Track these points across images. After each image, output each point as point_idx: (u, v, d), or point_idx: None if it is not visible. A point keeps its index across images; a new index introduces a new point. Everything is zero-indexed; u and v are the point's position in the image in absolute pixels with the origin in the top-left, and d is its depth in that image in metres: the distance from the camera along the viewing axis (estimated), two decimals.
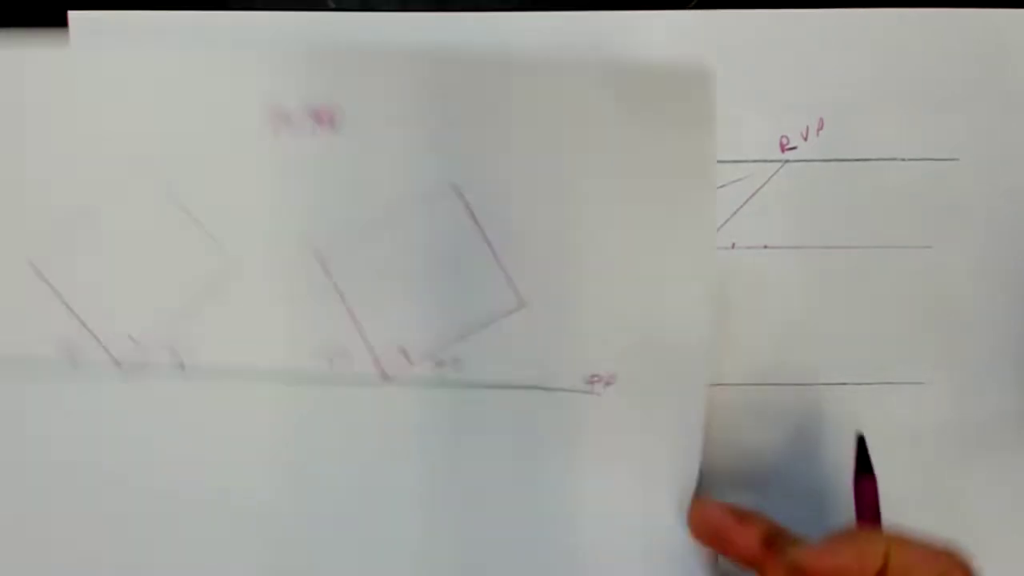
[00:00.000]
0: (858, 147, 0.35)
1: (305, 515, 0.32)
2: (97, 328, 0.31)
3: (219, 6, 0.34)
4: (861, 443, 0.32)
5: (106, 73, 0.31)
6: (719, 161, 0.34)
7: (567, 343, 0.32)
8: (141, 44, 0.33)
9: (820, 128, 0.35)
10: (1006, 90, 0.35)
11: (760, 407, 0.35)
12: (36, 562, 0.31)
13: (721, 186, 0.34)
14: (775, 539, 0.28)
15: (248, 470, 0.32)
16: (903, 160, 0.35)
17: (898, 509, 0.32)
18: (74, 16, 0.34)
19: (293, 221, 0.31)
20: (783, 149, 0.35)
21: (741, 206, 0.35)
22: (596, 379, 0.32)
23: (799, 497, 0.35)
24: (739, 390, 0.35)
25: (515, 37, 0.34)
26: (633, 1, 0.34)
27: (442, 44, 0.34)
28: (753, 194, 0.35)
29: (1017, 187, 0.35)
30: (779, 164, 0.35)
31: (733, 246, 0.35)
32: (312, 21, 0.34)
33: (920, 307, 0.35)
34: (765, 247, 0.35)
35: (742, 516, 0.30)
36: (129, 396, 0.32)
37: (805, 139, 0.35)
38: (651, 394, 0.32)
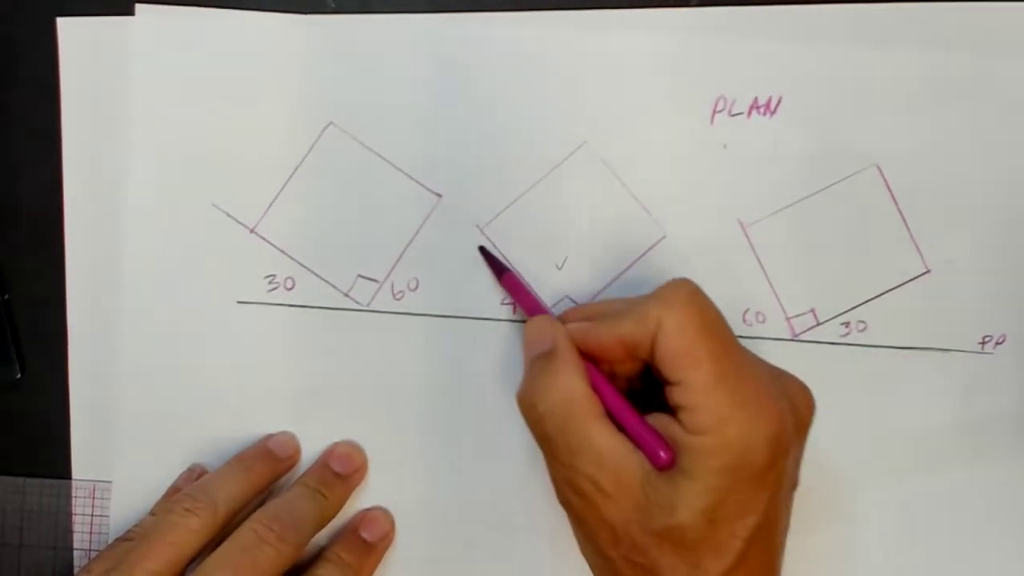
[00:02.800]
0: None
1: None
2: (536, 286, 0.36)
3: (219, 6, 0.35)
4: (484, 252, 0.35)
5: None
6: None
7: (963, 306, 0.35)
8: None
9: None
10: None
11: None
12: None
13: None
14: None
15: None
16: None
17: None
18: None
19: (722, 196, 0.35)
20: None
21: None
22: (987, 339, 0.35)
23: None
24: None
25: (514, 37, 0.35)
26: (633, 0, 0.34)
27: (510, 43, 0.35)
28: None
29: None
30: None
31: None
32: (312, 22, 0.35)
33: None
34: None
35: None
36: None
37: None
38: None
